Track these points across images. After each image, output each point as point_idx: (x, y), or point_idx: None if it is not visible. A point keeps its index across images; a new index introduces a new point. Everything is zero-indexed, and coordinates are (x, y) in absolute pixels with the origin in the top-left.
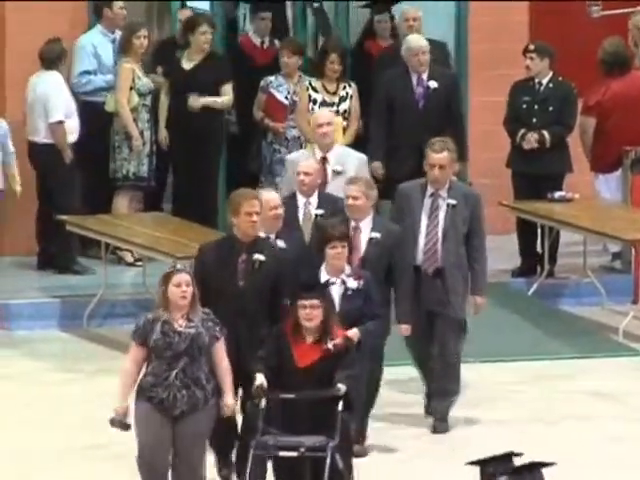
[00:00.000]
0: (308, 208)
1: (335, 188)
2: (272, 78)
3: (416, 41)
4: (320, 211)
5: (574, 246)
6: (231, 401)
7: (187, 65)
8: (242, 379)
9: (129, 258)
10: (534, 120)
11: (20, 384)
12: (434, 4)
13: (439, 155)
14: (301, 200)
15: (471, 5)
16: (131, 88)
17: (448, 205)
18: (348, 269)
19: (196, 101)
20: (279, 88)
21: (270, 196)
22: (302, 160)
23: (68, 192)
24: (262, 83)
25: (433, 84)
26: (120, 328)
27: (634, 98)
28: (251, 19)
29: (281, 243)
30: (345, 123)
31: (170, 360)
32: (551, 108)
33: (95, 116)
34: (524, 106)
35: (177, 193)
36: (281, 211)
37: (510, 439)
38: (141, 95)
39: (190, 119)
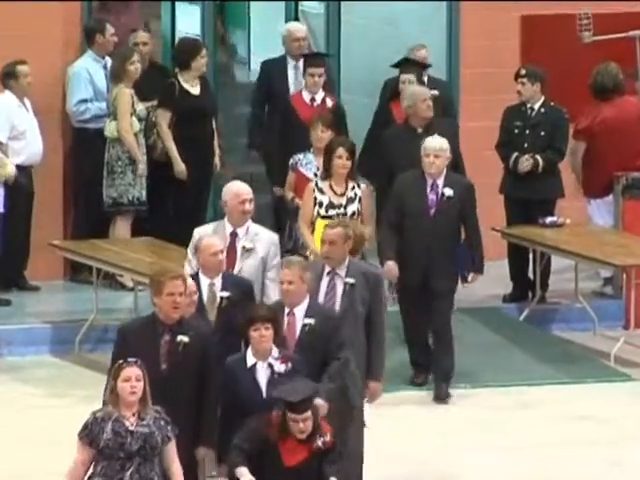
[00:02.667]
0: (212, 290)
1: (245, 265)
2: (300, 156)
3: (431, 142)
4: (225, 293)
5: (565, 271)
6: None
7: (195, 90)
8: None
9: (130, 283)
10: (526, 145)
11: (11, 410)
12: (426, 30)
13: (331, 231)
14: (204, 281)
15: (463, 30)
16: (131, 114)
17: (346, 285)
18: (276, 352)
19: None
20: (307, 165)
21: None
22: (207, 237)
23: (14, 214)
24: (291, 161)
25: (448, 192)
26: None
27: (624, 123)
28: (303, 74)
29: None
30: None
31: (122, 461)
32: (543, 133)
33: (89, 142)
34: (516, 131)
35: (177, 217)
36: (196, 297)
37: (503, 465)
38: (140, 120)
39: (199, 145)
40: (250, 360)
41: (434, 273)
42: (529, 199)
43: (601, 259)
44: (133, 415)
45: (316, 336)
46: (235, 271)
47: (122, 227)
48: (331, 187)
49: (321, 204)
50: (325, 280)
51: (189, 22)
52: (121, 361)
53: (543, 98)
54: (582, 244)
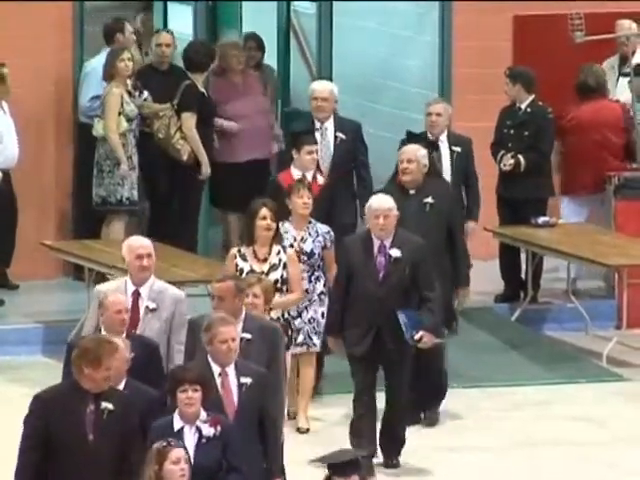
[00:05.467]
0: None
1: (148, 327)
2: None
3: (379, 201)
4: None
5: (557, 271)
6: None
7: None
8: None
9: None
10: (510, 144)
11: (4, 411)
12: (418, 30)
13: (218, 285)
14: None
15: (455, 30)
16: (120, 113)
17: (242, 340)
18: (204, 415)
19: None
20: (285, 235)
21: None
22: (110, 294)
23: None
24: None
25: (395, 253)
26: None
27: (598, 125)
28: (296, 153)
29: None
30: (280, 295)
31: None
32: (526, 133)
33: (86, 141)
34: (505, 130)
35: (185, 218)
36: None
37: (495, 467)
38: (129, 120)
39: (208, 147)
40: (177, 424)
41: (385, 340)
42: (517, 199)
43: (593, 259)
44: None
45: (254, 395)
46: (138, 333)
47: (117, 227)
48: (254, 252)
49: (242, 271)
50: None
51: (181, 22)
52: (164, 442)
53: (531, 98)
54: (574, 244)
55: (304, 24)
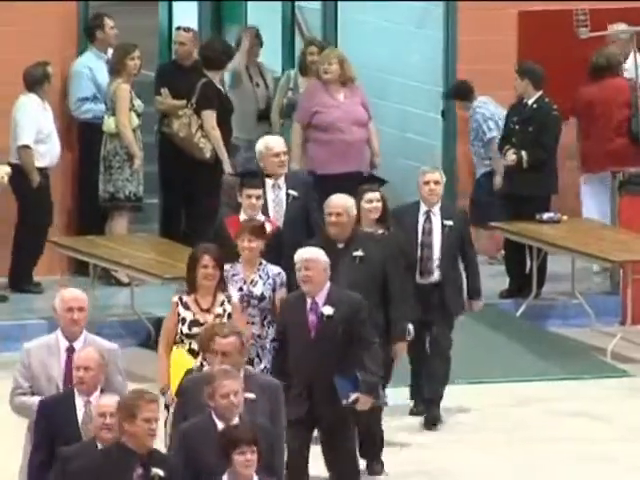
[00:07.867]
0: (89, 408)
1: None
2: (228, 267)
3: (300, 253)
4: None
5: (563, 267)
6: None
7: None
8: None
9: (125, 278)
10: (514, 140)
11: (6, 407)
12: (422, 25)
13: (223, 340)
14: (80, 402)
15: (460, 25)
16: (130, 109)
17: (246, 400)
18: (256, 478)
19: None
20: (234, 278)
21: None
22: (80, 351)
23: (36, 216)
24: None
25: (327, 311)
26: None
27: (602, 103)
28: (239, 195)
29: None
30: None
31: None
32: (531, 129)
33: (90, 137)
34: (511, 125)
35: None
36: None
37: (499, 461)
38: (138, 116)
39: (227, 145)
40: None
41: (318, 403)
42: (518, 195)
43: (598, 255)
44: None
45: (260, 452)
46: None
47: (120, 223)
48: (196, 301)
49: (184, 321)
50: None
51: (186, 19)
52: None
53: (539, 94)
54: (579, 240)
55: (309, 20)
